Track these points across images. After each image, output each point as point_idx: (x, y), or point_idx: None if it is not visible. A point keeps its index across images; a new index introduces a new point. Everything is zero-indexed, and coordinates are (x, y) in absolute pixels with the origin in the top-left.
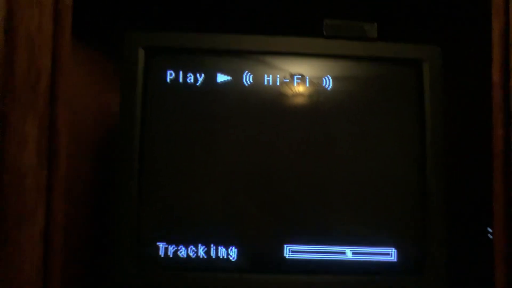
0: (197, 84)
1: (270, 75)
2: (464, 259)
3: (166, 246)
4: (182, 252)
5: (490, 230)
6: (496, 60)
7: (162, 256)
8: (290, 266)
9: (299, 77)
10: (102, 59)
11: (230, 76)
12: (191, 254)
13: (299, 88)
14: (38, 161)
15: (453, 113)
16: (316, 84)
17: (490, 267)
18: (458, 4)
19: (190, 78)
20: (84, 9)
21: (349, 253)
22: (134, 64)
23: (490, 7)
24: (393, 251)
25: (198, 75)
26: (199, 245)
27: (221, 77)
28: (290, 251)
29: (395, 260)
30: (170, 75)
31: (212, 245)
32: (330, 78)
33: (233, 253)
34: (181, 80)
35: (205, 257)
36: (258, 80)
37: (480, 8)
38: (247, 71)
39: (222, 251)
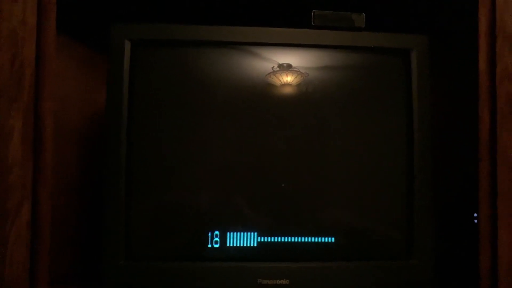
0: (184, 75)
1: (258, 66)
2: (451, 245)
3: (155, 237)
4: (171, 244)
5: (476, 215)
6: (483, 49)
7: (151, 247)
8: (278, 255)
9: (287, 68)
10: (89, 52)
11: (218, 68)
12: (180, 245)
13: (287, 79)
14: (23, 154)
15: (440, 102)
16: (304, 74)
17: (476, 252)
18: None
19: (177, 70)
20: (70, 3)
21: (337, 240)
22: (120, 56)
23: None
24: (381, 237)
25: (185, 66)
26: (188, 236)
27: (209, 69)
28: (282, 239)
29: (383, 245)
30: (157, 67)
31: (199, 236)
32: (318, 68)
33: (219, 243)
34: (168, 71)
35: (194, 247)
36: (246, 71)
37: None
38: (234, 63)
39: (209, 241)
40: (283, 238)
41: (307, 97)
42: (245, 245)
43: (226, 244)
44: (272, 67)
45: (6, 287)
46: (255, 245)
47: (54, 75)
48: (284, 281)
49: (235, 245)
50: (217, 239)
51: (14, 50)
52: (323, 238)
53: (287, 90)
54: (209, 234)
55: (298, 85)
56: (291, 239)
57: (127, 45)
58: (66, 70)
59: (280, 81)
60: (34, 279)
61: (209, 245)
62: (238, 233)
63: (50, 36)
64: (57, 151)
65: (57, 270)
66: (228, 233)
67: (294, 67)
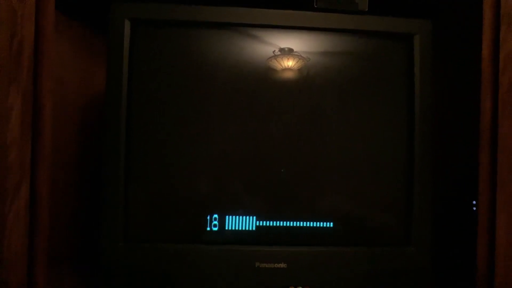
0: (184, 57)
1: (259, 50)
2: (449, 232)
3: (154, 219)
4: (169, 226)
5: (474, 203)
6: (487, 35)
7: (151, 230)
8: (277, 239)
9: (288, 52)
10: (87, 32)
11: (218, 50)
12: (179, 228)
13: (289, 63)
14: (22, 134)
15: (442, 88)
16: (305, 59)
17: (474, 239)
18: None
19: (177, 51)
20: None
21: (335, 225)
22: (120, 36)
23: None
24: (379, 223)
25: (185, 47)
26: (187, 219)
27: (209, 51)
28: (280, 224)
29: (381, 232)
30: (156, 48)
31: (198, 218)
32: (320, 53)
33: (217, 226)
34: (168, 52)
35: (193, 230)
36: (246, 54)
37: None
38: (235, 45)
39: (207, 224)
40: (281, 222)
41: (308, 82)
42: (243, 228)
43: (224, 227)
44: (274, 51)
45: (4, 267)
46: (254, 229)
47: (53, 54)
48: (282, 265)
49: (233, 228)
50: (216, 222)
51: (13, 29)
52: (321, 223)
53: (288, 75)
54: (208, 217)
55: (300, 70)
56: (289, 223)
57: (127, 25)
58: (64, 50)
59: (281, 65)
60: (33, 260)
61: (208, 228)
62: (237, 216)
63: (49, 14)
64: (55, 132)
65: (55, 251)
66: (226, 217)
67: (296, 52)
